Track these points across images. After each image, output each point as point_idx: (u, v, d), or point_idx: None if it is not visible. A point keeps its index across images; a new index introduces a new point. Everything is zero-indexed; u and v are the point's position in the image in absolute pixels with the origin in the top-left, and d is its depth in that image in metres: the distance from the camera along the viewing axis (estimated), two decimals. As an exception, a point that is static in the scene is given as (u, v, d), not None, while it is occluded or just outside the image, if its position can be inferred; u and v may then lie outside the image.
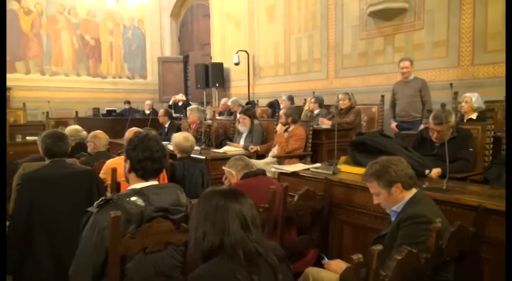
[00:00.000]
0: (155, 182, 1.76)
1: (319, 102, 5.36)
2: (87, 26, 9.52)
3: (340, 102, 4.85)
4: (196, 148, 3.70)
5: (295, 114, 4.32)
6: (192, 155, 3.36)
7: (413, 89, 4.50)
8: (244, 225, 1.19)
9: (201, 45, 9.78)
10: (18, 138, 5.32)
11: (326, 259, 1.99)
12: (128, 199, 1.59)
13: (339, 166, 2.69)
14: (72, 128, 4.29)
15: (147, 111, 8.80)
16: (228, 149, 4.18)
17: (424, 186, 2.09)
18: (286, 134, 4.21)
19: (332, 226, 2.50)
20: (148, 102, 8.93)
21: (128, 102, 9.08)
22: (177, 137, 3.24)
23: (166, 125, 5.45)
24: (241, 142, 4.67)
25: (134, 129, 3.21)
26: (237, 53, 7.59)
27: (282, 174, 2.85)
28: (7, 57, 8.49)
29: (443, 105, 2.38)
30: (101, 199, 1.66)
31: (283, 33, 7.26)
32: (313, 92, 5.56)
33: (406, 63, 4.52)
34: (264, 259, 1.19)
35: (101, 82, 9.75)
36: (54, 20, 9.08)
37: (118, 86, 9.95)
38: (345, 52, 6.18)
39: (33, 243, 2.35)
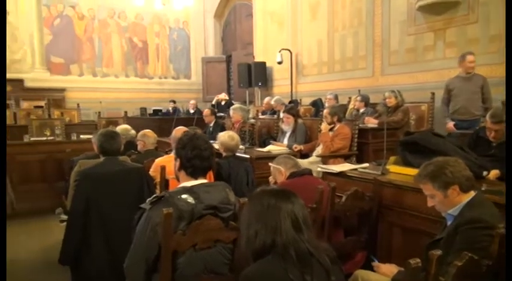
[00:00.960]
0: (204, 181, 1.80)
1: (365, 100, 5.23)
2: (135, 29, 9.90)
3: (387, 100, 4.69)
4: (241, 146, 3.72)
5: (341, 113, 4.24)
6: (237, 154, 3.39)
7: (475, 86, 4.24)
8: (295, 225, 1.19)
9: (243, 44, 9.86)
10: (73, 137, 5.62)
11: (376, 261, 1.94)
12: (179, 197, 1.64)
13: (387, 166, 2.61)
14: (122, 127, 4.48)
15: (192, 111, 9.02)
16: (272, 148, 4.18)
17: (482, 189, 1.97)
18: (331, 133, 4.14)
19: (381, 228, 2.43)
20: (192, 101, 9.14)
21: (173, 101, 9.34)
22: (222, 136, 3.28)
23: (211, 125, 5.55)
24: (285, 141, 4.65)
25: (181, 128, 3.29)
26: (279, 51, 7.58)
27: (328, 174, 2.81)
28: (62, 61, 9.03)
29: (504, 102, 2.23)
30: (153, 196, 1.72)
31: (327, 30, 7.14)
32: (359, 90, 5.43)
33: (473, 58, 4.25)
34: (316, 260, 1.17)
35: (147, 83, 10.11)
36: (105, 24, 9.53)
37: (164, 86, 10.26)
38: (391, 48, 5.98)
39: (89, 236, 2.47)
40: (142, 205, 1.74)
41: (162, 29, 10.26)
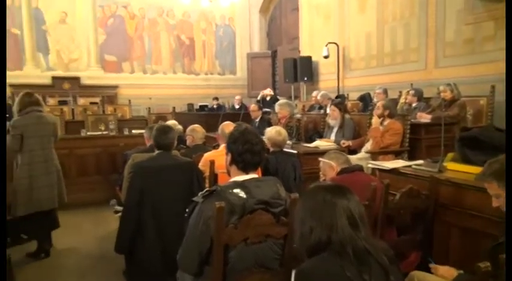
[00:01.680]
0: (255, 175, 1.79)
1: (418, 94, 5.00)
2: (183, 26, 10.13)
3: (442, 94, 4.45)
4: (288, 142, 3.70)
5: (394, 108, 4.08)
6: (284, 149, 3.37)
7: None
8: (352, 222, 1.15)
9: (289, 39, 9.78)
10: (126, 132, 5.85)
11: (433, 263, 1.85)
12: (230, 191, 1.65)
13: (445, 164, 2.47)
14: (170, 123, 4.61)
15: (237, 106, 9.10)
16: (319, 143, 4.11)
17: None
18: (381, 128, 4.00)
19: (437, 228, 2.31)
20: (238, 97, 9.23)
21: (216, 98, 9.49)
22: (270, 131, 3.28)
23: (257, 120, 5.56)
24: (332, 137, 4.56)
25: (229, 123, 3.32)
26: (326, 45, 7.43)
27: (379, 170, 2.71)
28: (115, 59, 9.44)
29: None
30: (205, 190, 1.74)
31: (376, 22, 6.90)
32: (411, 84, 5.19)
33: None
34: (374, 259, 1.13)
35: (194, 79, 10.33)
36: (155, 22, 9.84)
37: (210, 82, 10.44)
38: (446, 39, 5.66)
39: (143, 227, 2.57)
40: (195, 198, 1.77)
41: (209, 25, 10.42)
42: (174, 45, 10.08)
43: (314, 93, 6.84)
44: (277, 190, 1.74)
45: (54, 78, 8.75)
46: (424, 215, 2.26)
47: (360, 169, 2.31)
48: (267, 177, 1.82)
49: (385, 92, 5.58)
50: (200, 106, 9.34)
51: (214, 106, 9.36)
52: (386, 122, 4.01)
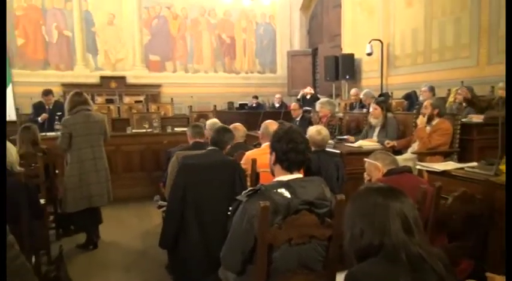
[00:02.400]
0: (300, 175, 1.76)
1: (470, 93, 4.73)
2: (224, 25, 10.24)
3: (499, 91, 4.18)
4: (330, 141, 3.62)
5: (443, 107, 3.89)
6: (327, 149, 3.30)
7: None
8: (406, 226, 1.09)
9: (330, 37, 9.61)
10: (169, 129, 5.99)
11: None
12: (275, 190, 1.63)
13: (501, 167, 2.32)
14: (211, 121, 4.65)
15: (277, 105, 9.07)
16: (363, 143, 4.00)
17: None
18: (428, 128, 3.83)
19: (492, 235, 2.17)
20: (278, 96, 9.19)
21: (256, 97, 9.50)
22: (311, 130, 3.22)
23: (298, 119, 5.51)
24: (374, 137, 4.42)
25: (271, 122, 3.30)
26: (369, 42, 7.23)
27: (429, 172, 2.59)
28: (158, 58, 9.71)
29: None
30: (249, 189, 1.73)
31: (424, 18, 6.62)
32: (462, 82, 4.93)
33: None
34: (429, 266, 1.07)
35: (234, 77, 10.41)
36: (197, 22, 10.01)
37: (250, 80, 10.48)
38: (501, 34, 5.32)
39: (186, 223, 2.61)
40: (238, 197, 1.76)
41: (249, 24, 10.46)
42: (215, 45, 10.21)
43: (353, 91, 6.67)
44: (322, 191, 1.70)
45: (102, 77, 9.14)
46: (478, 220, 2.13)
47: (408, 170, 2.21)
48: (312, 177, 1.79)
49: (432, 90, 5.34)
50: (240, 104, 9.39)
51: (254, 105, 9.38)
52: (435, 121, 3.83)
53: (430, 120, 3.85)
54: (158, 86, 9.57)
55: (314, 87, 9.68)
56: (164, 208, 3.43)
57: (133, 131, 5.88)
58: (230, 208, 2.07)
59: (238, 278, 1.79)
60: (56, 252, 3.03)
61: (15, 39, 8.53)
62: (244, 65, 10.53)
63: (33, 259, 2.56)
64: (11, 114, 7.83)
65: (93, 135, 3.61)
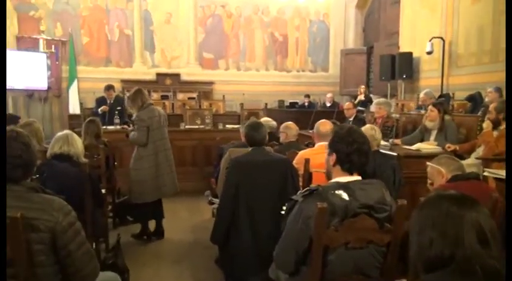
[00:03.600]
0: (359, 177, 1.70)
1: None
2: (277, 23, 10.22)
3: None
4: (385, 143, 3.49)
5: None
6: (382, 151, 3.18)
7: None
8: (482, 238, 1.00)
9: (387, 35, 9.26)
10: (220, 126, 6.09)
11: None
12: (332, 192, 1.59)
13: None
14: (264, 119, 4.66)
15: (328, 104, 8.92)
16: (421, 146, 3.80)
17: None
18: (495, 133, 3.56)
19: None
20: (329, 95, 9.02)
21: (308, 96, 9.39)
22: (365, 129, 3.11)
23: (351, 119, 5.36)
24: (431, 140, 4.19)
25: (325, 121, 3.22)
26: (430, 40, 6.87)
27: (497, 180, 2.40)
28: (212, 56, 9.90)
29: None
30: (305, 189, 1.70)
31: (492, 14, 6.16)
32: (534, 83, 4.50)
33: None
34: (507, 282, 0.98)
35: (286, 76, 10.35)
36: (250, 20, 10.08)
37: (301, 79, 10.37)
38: None
39: (237, 220, 2.63)
40: (294, 197, 1.74)
41: (302, 22, 10.35)
42: (268, 42, 10.22)
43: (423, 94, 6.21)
44: (382, 195, 1.63)
45: (157, 74, 9.48)
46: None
47: (476, 177, 2.06)
48: (373, 180, 1.72)
49: (499, 91, 4.96)
50: (290, 103, 9.33)
51: (305, 103, 9.28)
52: (503, 126, 3.55)
53: (496, 125, 3.58)
54: (211, 83, 9.76)
55: (367, 87, 9.40)
56: (215, 205, 3.49)
57: (186, 126, 6.04)
58: (283, 207, 2.05)
59: (290, 278, 1.77)
60: (113, 240, 3.19)
61: (81, 38, 9.09)
62: (296, 63, 10.44)
63: (94, 246, 2.70)
64: (75, 108, 8.38)
65: (162, 128, 3.80)
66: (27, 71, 7.51)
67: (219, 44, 9.93)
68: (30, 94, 8.38)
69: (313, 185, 1.70)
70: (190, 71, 9.73)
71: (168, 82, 9.39)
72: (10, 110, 7.79)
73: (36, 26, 8.58)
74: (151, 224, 3.99)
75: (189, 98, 8.58)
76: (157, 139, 3.73)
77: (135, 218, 3.99)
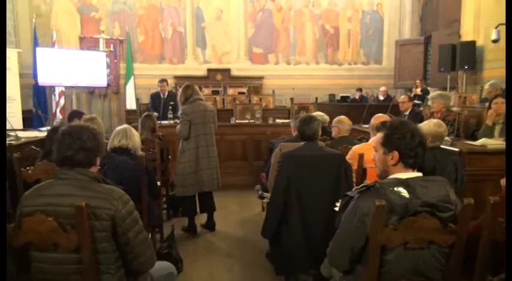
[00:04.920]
0: (420, 174, 1.61)
1: None
2: (328, 15, 9.98)
3: None
4: (447, 138, 3.28)
5: None
6: (443, 146, 2.99)
7: None
8: None
9: (447, 23, 8.71)
10: (270, 121, 6.08)
11: None
12: (391, 189, 1.51)
13: None
14: (316, 114, 4.57)
15: (381, 98, 8.60)
16: (486, 142, 3.53)
17: None
18: None
19: None
20: (383, 88, 8.70)
21: (360, 89, 9.12)
22: (427, 124, 2.94)
23: (407, 113, 5.11)
24: (496, 135, 3.88)
25: (381, 115, 3.10)
26: (496, 27, 6.36)
27: None
28: (261, 51, 9.89)
29: None
30: (362, 185, 1.63)
31: None
32: None
33: None
34: None
35: (337, 69, 10.10)
36: (300, 13, 9.93)
37: (352, 72, 10.07)
38: None
39: (288, 215, 2.61)
40: (349, 193, 1.68)
41: (355, 13, 10.02)
42: (318, 35, 10.02)
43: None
44: (446, 193, 1.53)
45: (208, 70, 9.65)
46: None
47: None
48: (436, 177, 1.62)
49: None
50: (342, 97, 9.12)
51: (357, 97, 9.02)
52: None
53: None
54: (260, 78, 9.77)
55: (425, 79, 8.93)
56: (266, 199, 3.49)
57: (237, 121, 6.10)
58: (337, 203, 2.00)
59: (345, 277, 1.72)
60: (167, 231, 3.30)
61: (137, 36, 9.48)
62: (347, 56, 10.15)
63: (149, 236, 2.80)
64: (132, 104, 8.79)
65: (207, 124, 3.84)
66: (89, 70, 7.97)
67: (269, 39, 9.90)
68: (91, 91, 8.92)
69: (369, 182, 1.63)
70: (240, 66, 9.81)
71: (219, 77, 9.53)
72: (74, 106, 8.34)
73: (96, 27, 9.08)
74: (203, 217, 4.08)
75: (239, 93, 8.65)
76: (199, 134, 3.79)
77: (183, 212, 4.10)
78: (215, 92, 8.65)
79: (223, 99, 8.00)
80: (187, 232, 3.91)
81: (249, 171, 5.69)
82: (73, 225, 1.50)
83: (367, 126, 4.07)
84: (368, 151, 2.70)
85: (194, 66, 9.70)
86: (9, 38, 8.77)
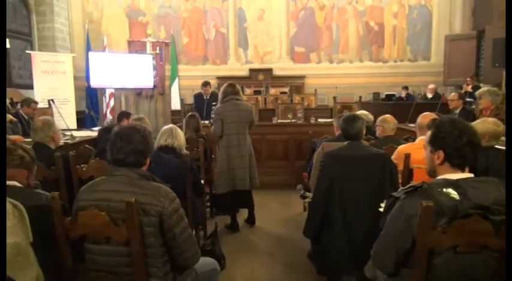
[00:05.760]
0: (471, 175, 1.54)
1: None
2: (372, 12, 9.72)
3: None
4: (502, 137, 3.08)
5: None
6: (498, 146, 2.82)
7: None
8: None
9: (502, 15, 8.18)
10: (312, 120, 6.04)
11: None
12: (440, 190, 1.45)
13: None
14: (361, 113, 4.47)
15: (429, 95, 8.26)
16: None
17: None
18: None
19: None
20: (431, 86, 8.35)
21: (406, 87, 8.81)
22: (480, 123, 2.79)
23: (457, 111, 4.87)
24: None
25: (429, 114, 2.98)
26: (558, 19, 5.88)
27: None
28: (303, 50, 9.83)
29: None
30: (408, 185, 1.59)
31: None
32: None
33: None
34: None
35: (381, 67, 9.82)
36: (344, 11, 9.75)
37: (398, 69, 9.74)
38: None
39: (330, 215, 2.57)
40: (395, 194, 1.64)
41: (401, 8, 9.68)
42: (362, 33, 9.78)
43: None
44: (500, 195, 1.45)
45: (250, 70, 9.74)
46: None
47: None
48: (489, 178, 1.54)
49: None
50: (387, 95, 8.85)
51: (403, 95, 8.73)
52: None
53: None
54: (302, 77, 9.70)
55: (477, 75, 8.46)
56: (308, 199, 3.47)
57: (278, 121, 6.10)
58: (381, 204, 1.95)
59: (389, 279, 1.68)
60: (211, 228, 3.37)
61: (181, 38, 9.76)
62: (393, 53, 9.83)
63: (194, 233, 2.88)
64: (176, 105, 9.06)
65: (240, 123, 3.88)
66: (137, 72, 8.32)
67: (311, 37, 9.81)
68: (138, 93, 9.29)
69: (416, 183, 1.58)
70: (282, 66, 9.80)
71: (261, 77, 9.58)
72: (123, 107, 8.73)
73: (143, 30, 9.44)
74: (244, 214, 4.15)
75: (281, 93, 8.64)
76: (231, 133, 3.84)
77: (224, 210, 4.18)
78: (257, 92, 8.70)
79: (265, 99, 8.03)
80: (230, 229, 3.98)
81: (291, 171, 5.67)
82: (123, 219, 1.58)
83: (413, 125, 3.92)
84: (415, 151, 2.62)
85: (236, 67, 9.83)
86: (65, 43, 9.37)
